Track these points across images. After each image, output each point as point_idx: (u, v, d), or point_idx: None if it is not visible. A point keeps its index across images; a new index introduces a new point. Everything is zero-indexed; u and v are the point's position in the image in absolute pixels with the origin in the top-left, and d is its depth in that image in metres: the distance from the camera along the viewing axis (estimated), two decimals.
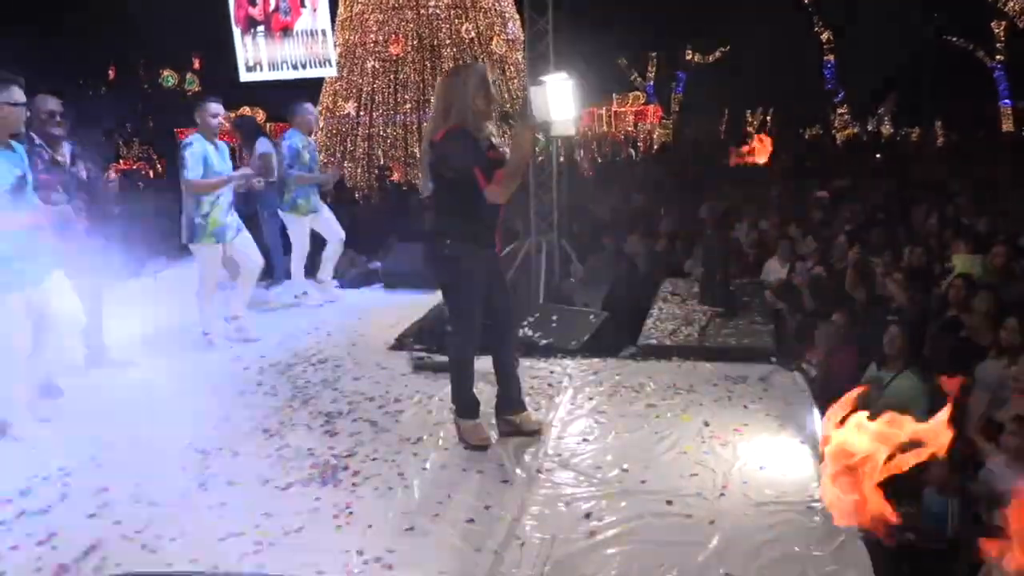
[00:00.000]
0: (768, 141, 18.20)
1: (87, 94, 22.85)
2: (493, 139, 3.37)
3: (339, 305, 6.26)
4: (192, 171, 4.88)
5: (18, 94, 3.53)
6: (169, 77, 25.23)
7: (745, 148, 17.98)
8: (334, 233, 6.26)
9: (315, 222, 6.20)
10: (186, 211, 4.99)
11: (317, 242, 6.37)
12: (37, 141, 4.15)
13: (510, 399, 3.57)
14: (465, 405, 3.50)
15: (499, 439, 3.51)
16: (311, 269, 6.40)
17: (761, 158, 16.95)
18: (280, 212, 6.23)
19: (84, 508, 2.97)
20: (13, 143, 3.56)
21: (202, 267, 5.09)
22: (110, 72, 23.96)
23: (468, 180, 3.21)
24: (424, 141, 3.44)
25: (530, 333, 5.02)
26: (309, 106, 6.35)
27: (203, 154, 4.91)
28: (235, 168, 5.26)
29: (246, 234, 5.24)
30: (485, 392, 3.64)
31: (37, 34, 19.54)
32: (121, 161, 18.96)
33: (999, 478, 3.74)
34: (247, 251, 5.22)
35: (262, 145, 6.44)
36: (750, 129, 27.09)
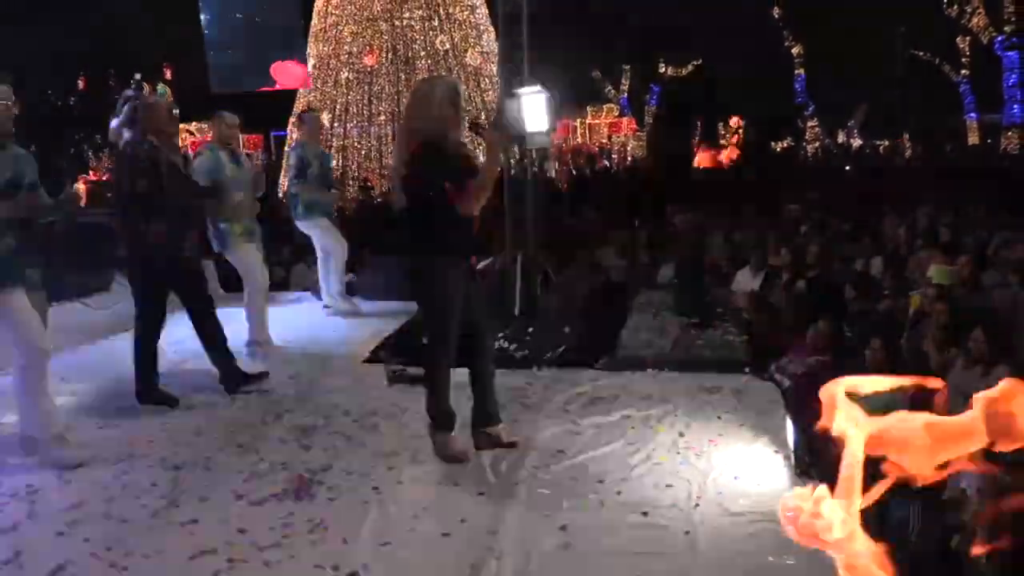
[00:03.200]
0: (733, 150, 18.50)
1: (56, 103, 22.54)
2: (463, 149, 3.38)
3: (313, 318, 6.22)
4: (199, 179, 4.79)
5: (6, 92, 3.48)
6: (124, 94, 24.90)
7: (712, 152, 18.24)
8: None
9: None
10: (208, 220, 4.92)
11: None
12: None
13: (486, 412, 3.57)
14: (441, 418, 3.49)
15: (475, 452, 3.50)
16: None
17: (723, 159, 17.20)
18: (297, 223, 6.16)
19: (52, 526, 2.92)
20: (5, 144, 3.47)
21: (245, 271, 5.04)
22: (80, 82, 23.68)
23: (440, 195, 3.21)
24: (396, 155, 3.45)
25: (505, 345, 5.02)
26: (315, 116, 6.37)
27: (214, 163, 4.86)
28: None
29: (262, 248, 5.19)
30: (462, 406, 3.63)
31: (7, 42, 19.26)
32: (91, 172, 18.69)
33: (965, 481, 3.80)
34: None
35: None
36: (723, 142, 27.40)
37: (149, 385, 4.25)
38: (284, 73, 12.54)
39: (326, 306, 6.34)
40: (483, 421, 3.57)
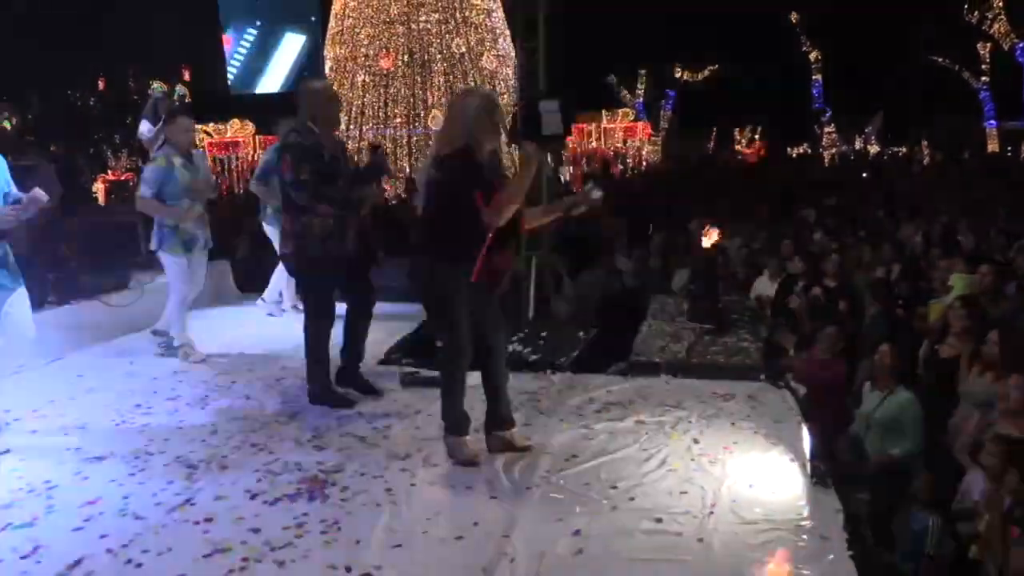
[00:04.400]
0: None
1: (77, 104, 22.76)
2: (497, 160, 3.37)
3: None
4: (147, 188, 4.83)
5: None
6: (159, 87, 25.17)
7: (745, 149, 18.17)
8: None
9: None
10: (156, 219, 4.95)
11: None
12: None
13: (499, 415, 3.57)
14: (455, 422, 3.49)
15: (488, 455, 3.50)
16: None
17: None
18: (265, 226, 6.16)
19: (70, 522, 2.94)
20: None
21: (171, 277, 5.03)
22: (100, 83, 23.92)
23: (466, 202, 3.19)
24: (429, 158, 3.44)
25: (519, 349, 5.02)
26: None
27: (165, 171, 4.82)
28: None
29: (206, 255, 5.19)
30: (476, 409, 3.63)
31: (36, 46, 19.50)
32: (110, 172, 18.86)
33: (977, 492, 3.77)
34: (199, 271, 5.15)
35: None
36: (738, 147, 27.30)
37: (325, 385, 4.23)
38: None
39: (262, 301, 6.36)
40: (496, 424, 3.57)
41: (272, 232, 6.16)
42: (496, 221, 3.22)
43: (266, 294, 6.38)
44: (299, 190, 3.97)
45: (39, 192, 3.58)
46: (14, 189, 3.68)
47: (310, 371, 4.24)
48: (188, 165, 4.94)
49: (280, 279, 6.31)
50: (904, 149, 26.29)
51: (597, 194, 3.53)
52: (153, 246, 5.01)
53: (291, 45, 17.73)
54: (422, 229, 3.49)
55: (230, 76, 16.21)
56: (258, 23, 13.53)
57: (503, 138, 3.45)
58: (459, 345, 3.42)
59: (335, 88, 4.37)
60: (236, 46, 15.27)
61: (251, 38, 16.71)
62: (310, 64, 16.35)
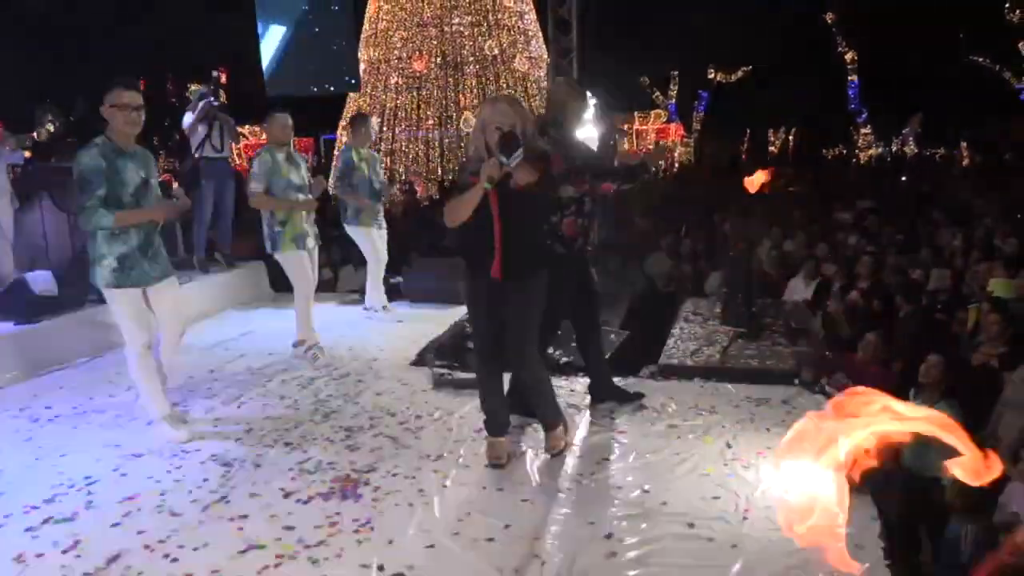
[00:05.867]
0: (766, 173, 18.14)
1: None
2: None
3: (360, 320, 6.30)
4: (257, 183, 4.84)
5: None
6: (197, 90, 25.64)
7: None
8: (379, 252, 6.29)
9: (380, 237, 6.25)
10: (264, 220, 4.99)
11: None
12: None
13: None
14: (487, 421, 3.51)
15: (519, 457, 3.51)
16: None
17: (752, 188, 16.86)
18: (347, 227, 6.21)
19: (108, 517, 3.01)
20: None
21: (291, 276, 5.06)
22: (140, 84, 24.40)
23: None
24: (465, 162, 3.46)
25: (551, 351, 5.01)
26: (371, 120, 6.42)
27: (269, 165, 4.86)
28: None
29: (316, 251, 5.21)
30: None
31: (74, 48, 19.93)
32: None
33: (1017, 503, 3.68)
34: (314, 266, 5.18)
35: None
36: (772, 149, 26.96)
37: (607, 382, 4.20)
38: None
39: (364, 308, 6.44)
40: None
41: (356, 233, 6.18)
42: (446, 223, 3.26)
43: (368, 301, 6.43)
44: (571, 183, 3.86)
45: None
46: None
47: (592, 372, 4.21)
48: (290, 160, 5.00)
49: (374, 280, 6.34)
50: (942, 151, 25.80)
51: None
52: (267, 248, 5.05)
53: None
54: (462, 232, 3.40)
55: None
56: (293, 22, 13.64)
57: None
58: (478, 346, 3.50)
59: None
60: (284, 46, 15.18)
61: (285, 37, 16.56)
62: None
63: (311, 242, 5.08)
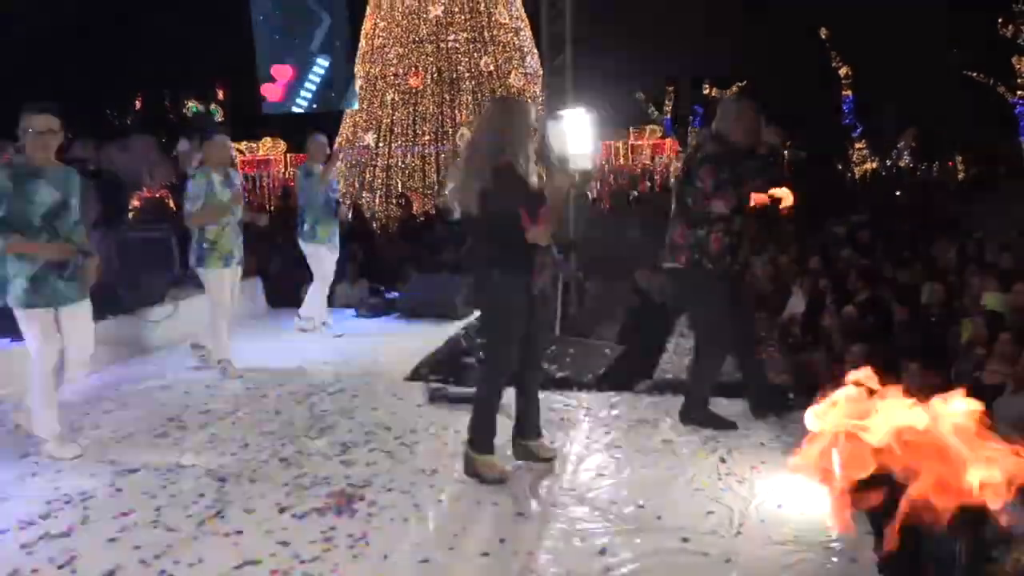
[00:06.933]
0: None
1: (114, 123, 23.33)
2: (533, 177, 3.35)
3: (356, 335, 6.32)
4: (192, 203, 4.99)
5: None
6: (194, 106, 25.79)
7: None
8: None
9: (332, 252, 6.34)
10: (194, 237, 5.10)
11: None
12: None
13: (529, 425, 3.58)
14: (484, 438, 3.48)
15: (514, 472, 3.51)
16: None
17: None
18: (300, 242, 6.32)
19: (104, 532, 3.01)
20: None
21: (211, 292, 5.15)
22: (137, 102, 24.49)
23: (513, 218, 3.23)
24: (477, 164, 3.34)
25: (546, 366, 5.02)
26: (319, 136, 6.50)
27: (206, 186, 4.99)
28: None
29: (239, 271, 5.30)
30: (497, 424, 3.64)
31: (69, 63, 20.03)
32: (145, 189, 19.26)
33: (1011, 517, 3.68)
34: (234, 288, 5.27)
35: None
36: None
37: (703, 405, 4.08)
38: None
39: (324, 324, 6.51)
40: (525, 433, 3.59)
41: (307, 249, 6.28)
42: (541, 239, 3.26)
43: (302, 310, 6.47)
44: (719, 199, 3.79)
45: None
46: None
47: (692, 389, 4.10)
48: (225, 182, 5.10)
49: (316, 295, 6.40)
50: (937, 164, 25.94)
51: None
52: (191, 263, 5.15)
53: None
54: (481, 239, 3.43)
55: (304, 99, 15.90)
56: (296, 40, 13.62)
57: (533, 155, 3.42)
58: (509, 358, 3.44)
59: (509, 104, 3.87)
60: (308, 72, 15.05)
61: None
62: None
63: (235, 262, 5.18)
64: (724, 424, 3.98)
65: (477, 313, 6.56)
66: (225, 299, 5.16)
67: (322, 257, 6.35)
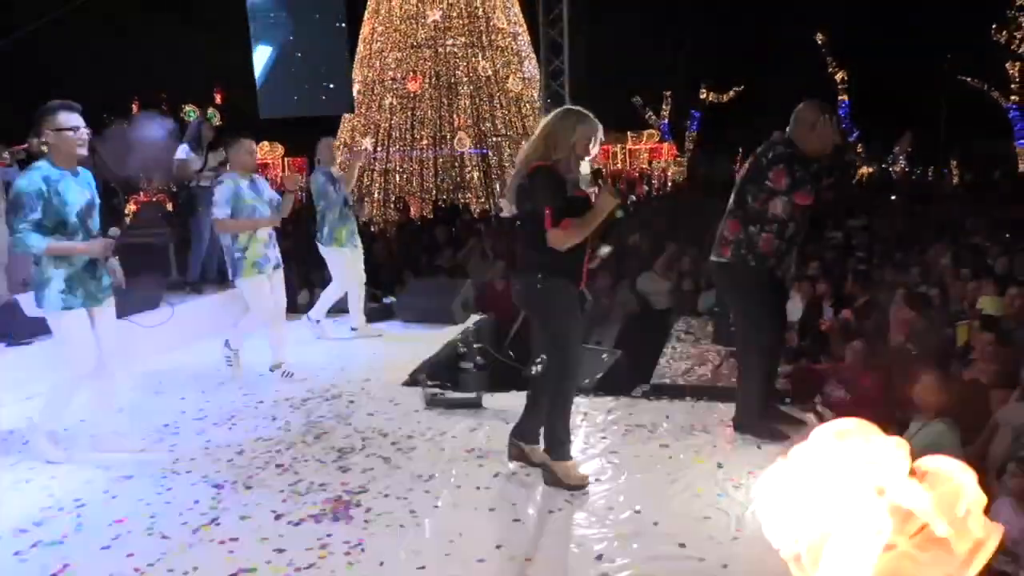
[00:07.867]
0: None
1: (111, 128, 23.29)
2: (581, 185, 3.32)
3: (353, 340, 6.29)
4: (220, 209, 4.91)
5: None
6: (191, 111, 25.81)
7: None
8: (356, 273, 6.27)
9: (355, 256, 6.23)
10: (225, 247, 5.04)
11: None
12: None
13: (532, 430, 3.55)
14: (562, 443, 3.41)
15: (511, 478, 3.50)
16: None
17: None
18: (321, 247, 6.20)
19: (98, 540, 2.99)
20: None
21: (251, 301, 5.08)
22: (134, 106, 24.49)
23: (537, 217, 3.21)
24: (520, 164, 3.36)
25: (542, 370, 5.01)
26: (329, 139, 6.44)
27: (233, 191, 4.92)
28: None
29: (281, 273, 5.21)
30: (489, 428, 3.63)
31: (63, 67, 20.03)
32: (142, 193, 19.24)
33: (1004, 521, 3.68)
34: (277, 290, 5.17)
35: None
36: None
37: (761, 415, 3.95)
38: None
39: (318, 322, 6.40)
40: (523, 437, 3.57)
41: (330, 254, 6.16)
42: (558, 244, 3.21)
43: (313, 312, 6.40)
44: (801, 194, 3.71)
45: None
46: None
47: (745, 400, 3.96)
48: (253, 186, 5.04)
49: (331, 299, 6.33)
50: (932, 169, 26.02)
51: (605, 250, 3.45)
52: (230, 276, 5.10)
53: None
54: (528, 241, 3.36)
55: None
56: (291, 38, 13.53)
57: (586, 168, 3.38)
58: (577, 359, 3.42)
59: None
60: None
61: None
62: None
63: (272, 266, 5.08)
64: (777, 436, 3.82)
65: (474, 318, 6.56)
66: (266, 306, 5.04)
67: (348, 260, 6.17)
